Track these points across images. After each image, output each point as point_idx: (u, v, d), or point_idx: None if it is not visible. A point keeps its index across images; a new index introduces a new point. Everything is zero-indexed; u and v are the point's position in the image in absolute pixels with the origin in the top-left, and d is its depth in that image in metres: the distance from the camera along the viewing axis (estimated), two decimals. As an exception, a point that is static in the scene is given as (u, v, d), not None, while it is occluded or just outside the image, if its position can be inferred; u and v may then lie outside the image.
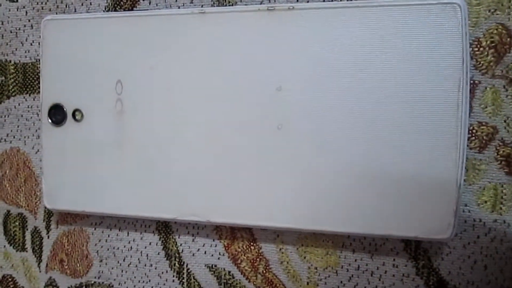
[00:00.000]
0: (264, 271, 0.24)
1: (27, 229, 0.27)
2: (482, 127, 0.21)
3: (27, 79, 0.26)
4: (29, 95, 0.26)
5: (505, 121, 0.20)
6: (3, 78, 0.27)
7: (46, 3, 0.26)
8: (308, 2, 0.22)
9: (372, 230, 0.20)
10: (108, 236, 0.26)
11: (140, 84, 0.23)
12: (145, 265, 0.25)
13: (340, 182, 0.20)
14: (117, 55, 0.23)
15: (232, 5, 0.23)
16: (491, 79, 0.20)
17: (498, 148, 0.21)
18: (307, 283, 0.23)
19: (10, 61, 0.27)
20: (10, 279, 0.28)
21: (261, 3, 0.23)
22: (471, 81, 0.20)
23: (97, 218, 0.26)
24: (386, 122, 0.20)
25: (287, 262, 0.23)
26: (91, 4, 0.25)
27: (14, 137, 0.27)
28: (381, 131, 0.20)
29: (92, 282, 0.26)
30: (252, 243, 0.24)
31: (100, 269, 0.26)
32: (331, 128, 0.20)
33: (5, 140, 0.27)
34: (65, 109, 0.24)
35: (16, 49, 0.26)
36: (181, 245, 0.25)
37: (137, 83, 0.23)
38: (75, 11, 0.25)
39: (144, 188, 0.23)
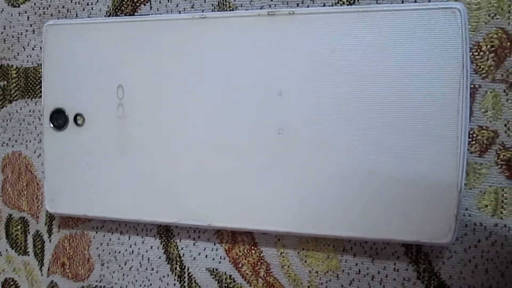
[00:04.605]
0: (265, 275, 0.24)
1: (29, 233, 0.27)
2: (483, 131, 0.21)
3: (29, 83, 0.26)
4: (31, 100, 0.26)
5: (505, 125, 0.20)
6: (5, 82, 0.27)
7: (47, 8, 0.26)
8: (308, 7, 0.22)
9: (373, 235, 0.20)
10: (110, 240, 0.26)
11: (141, 89, 0.23)
12: (147, 269, 0.25)
13: (340, 187, 0.20)
14: (119, 60, 0.23)
15: (232, 10, 0.23)
16: (491, 83, 0.20)
17: (498, 152, 0.21)
18: (308, 287, 0.23)
19: (12, 66, 0.27)
20: (12, 283, 0.28)
21: (261, 8, 0.23)
22: (472, 86, 0.20)
23: (99, 222, 0.26)
24: (387, 126, 0.20)
25: (288, 266, 0.23)
26: (92, 9, 0.25)
27: (16, 141, 0.27)
28: (382, 136, 0.20)
29: (94, 286, 0.26)
30: (253, 247, 0.24)
31: (101, 273, 0.26)
32: (332, 133, 0.20)
33: (7, 144, 0.27)
34: (66, 114, 0.24)
35: (18, 54, 0.27)
36: (182, 249, 0.25)
37: (138, 87, 0.23)
38: (76, 16, 0.25)
39: (145, 192, 0.23)
